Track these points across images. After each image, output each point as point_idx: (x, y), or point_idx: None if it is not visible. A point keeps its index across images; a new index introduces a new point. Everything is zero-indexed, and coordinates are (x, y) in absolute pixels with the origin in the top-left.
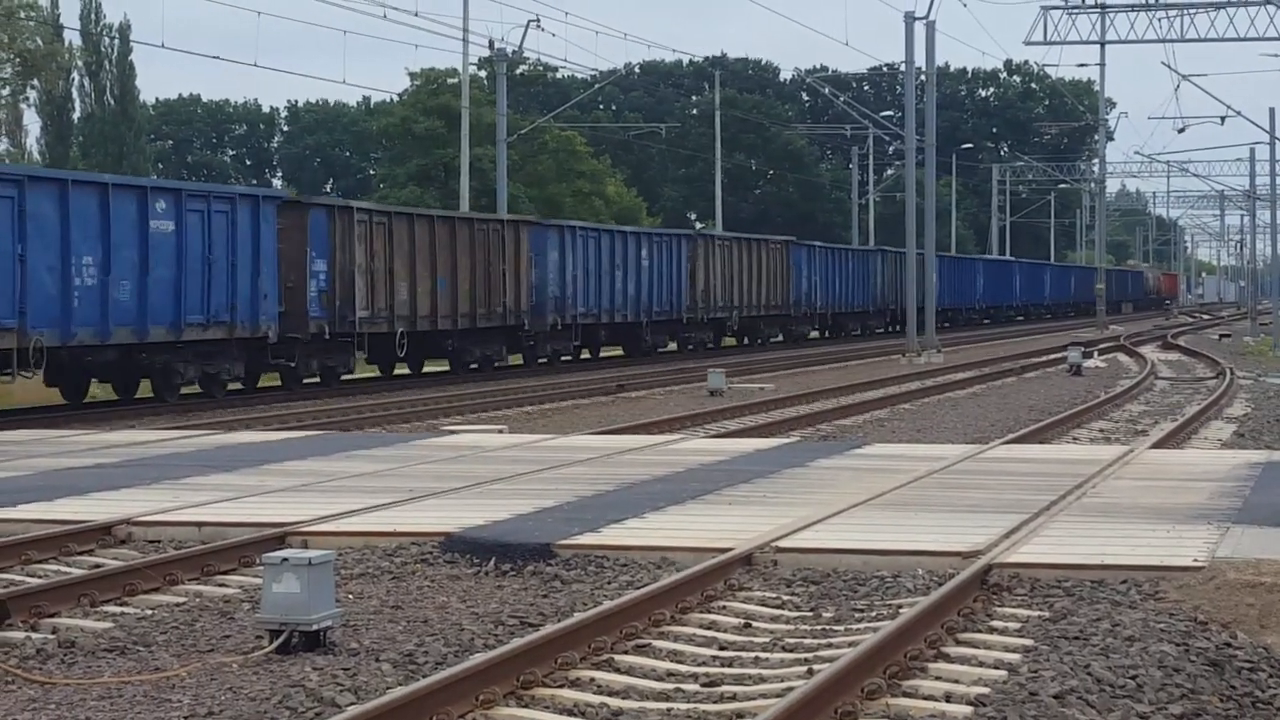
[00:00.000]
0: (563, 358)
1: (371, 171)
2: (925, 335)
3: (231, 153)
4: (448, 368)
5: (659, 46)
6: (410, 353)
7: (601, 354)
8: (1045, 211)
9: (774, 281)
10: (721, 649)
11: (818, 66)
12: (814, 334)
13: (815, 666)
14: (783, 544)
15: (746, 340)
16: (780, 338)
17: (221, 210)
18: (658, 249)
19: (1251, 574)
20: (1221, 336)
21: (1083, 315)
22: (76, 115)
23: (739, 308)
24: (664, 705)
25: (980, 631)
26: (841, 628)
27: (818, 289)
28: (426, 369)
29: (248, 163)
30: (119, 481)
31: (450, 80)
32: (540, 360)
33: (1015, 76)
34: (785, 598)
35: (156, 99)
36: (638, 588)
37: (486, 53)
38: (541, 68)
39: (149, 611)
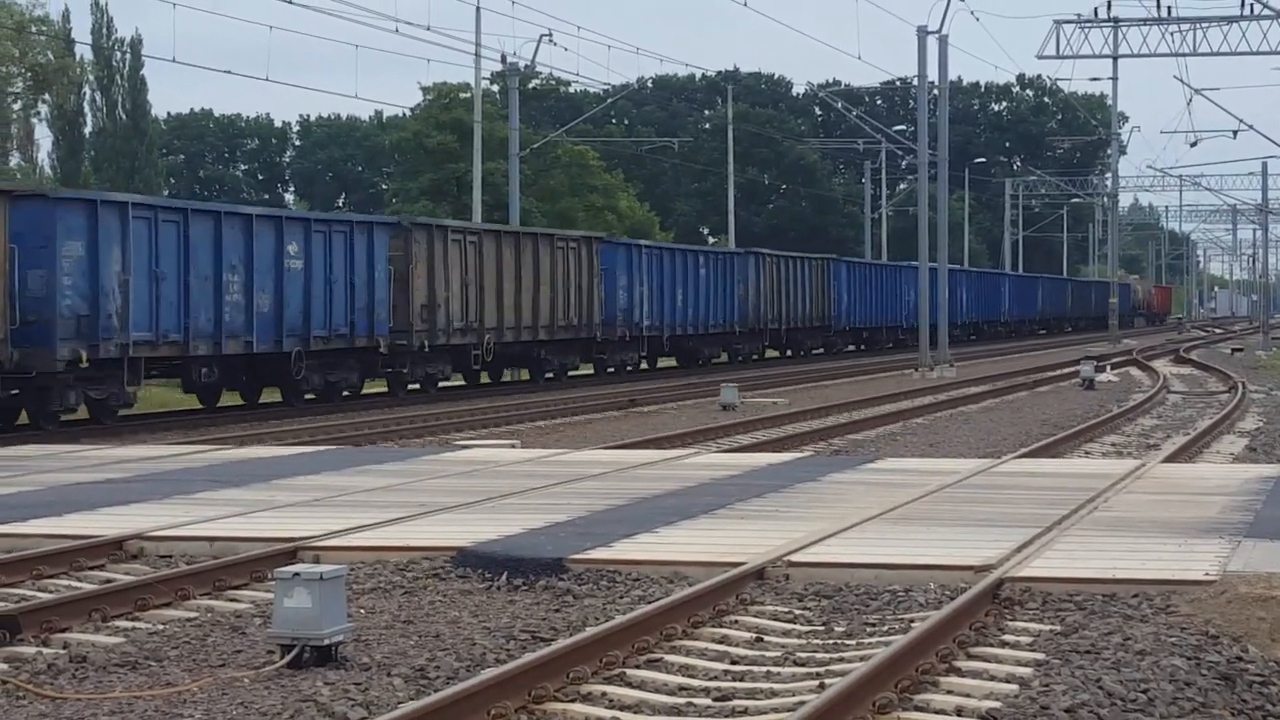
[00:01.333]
0: (627, 367)
1: (384, 186)
2: (938, 350)
3: (244, 167)
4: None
5: (671, 60)
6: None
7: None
8: (1058, 226)
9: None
10: (733, 663)
11: (830, 81)
12: (850, 346)
13: (827, 681)
14: (795, 558)
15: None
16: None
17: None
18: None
19: (1263, 588)
20: (1234, 350)
21: (1057, 333)
22: (88, 130)
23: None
24: (676, 719)
25: (992, 645)
26: (853, 642)
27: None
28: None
29: (260, 177)
30: (130, 496)
31: (463, 95)
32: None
33: (1028, 90)
34: (797, 612)
35: (168, 113)
36: (649, 602)
37: (499, 67)
38: (554, 82)
39: (160, 626)
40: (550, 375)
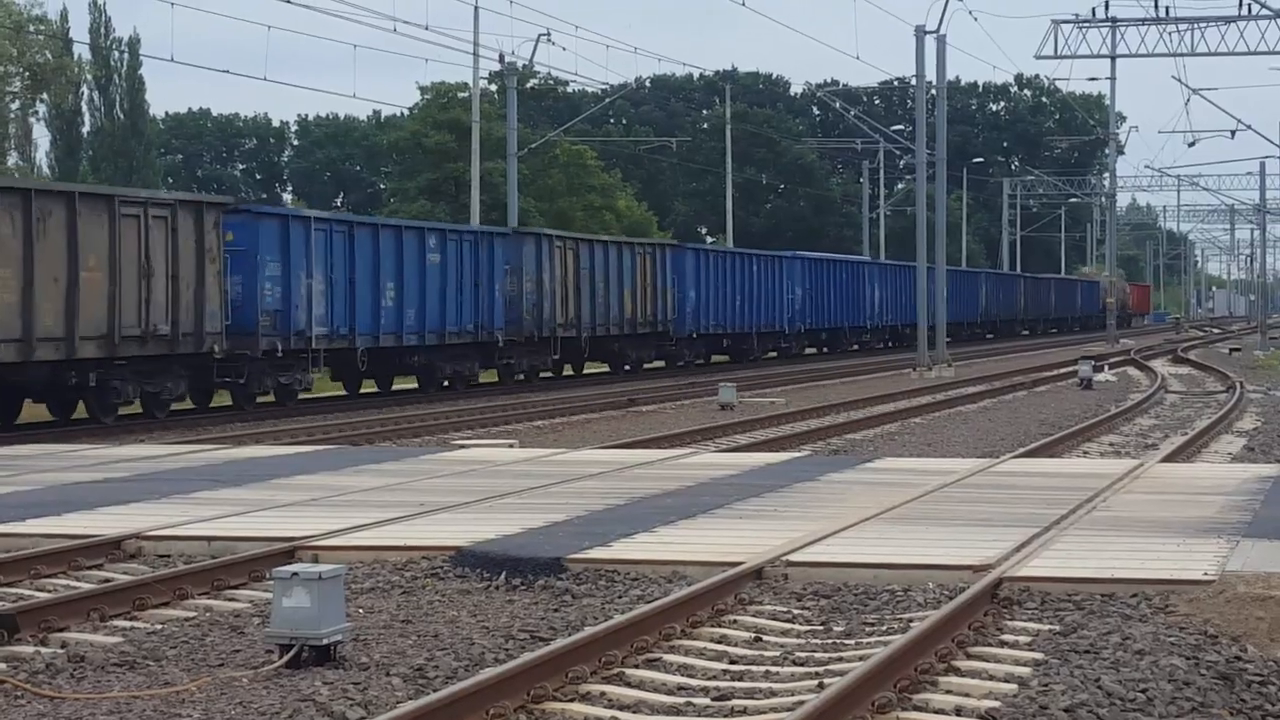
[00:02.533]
0: (696, 361)
1: (382, 185)
2: (935, 349)
3: (241, 167)
4: (607, 369)
5: (669, 60)
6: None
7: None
8: (1056, 226)
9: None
10: (732, 663)
11: (828, 80)
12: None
13: (826, 680)
14: (793, 558)
15: (825, 349)
16: (855, 346)
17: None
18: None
19: (1262, 588)
20: (1232, 350)
21: (1008, 336)
22: (86, 129)
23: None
24: (674, 718)
25: (991, 645)
26: (852, 641)
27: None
28: (587, 369)
29: (258, 177)
30: (128, 496)
31: (461, 94)
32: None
33: (1026, 90)
34: (796, 611)
35: (166, 113)
36: (648, 602)
37: (497, 67)
38: (552, 82)
39: (158, 626)
40: (628, 368)
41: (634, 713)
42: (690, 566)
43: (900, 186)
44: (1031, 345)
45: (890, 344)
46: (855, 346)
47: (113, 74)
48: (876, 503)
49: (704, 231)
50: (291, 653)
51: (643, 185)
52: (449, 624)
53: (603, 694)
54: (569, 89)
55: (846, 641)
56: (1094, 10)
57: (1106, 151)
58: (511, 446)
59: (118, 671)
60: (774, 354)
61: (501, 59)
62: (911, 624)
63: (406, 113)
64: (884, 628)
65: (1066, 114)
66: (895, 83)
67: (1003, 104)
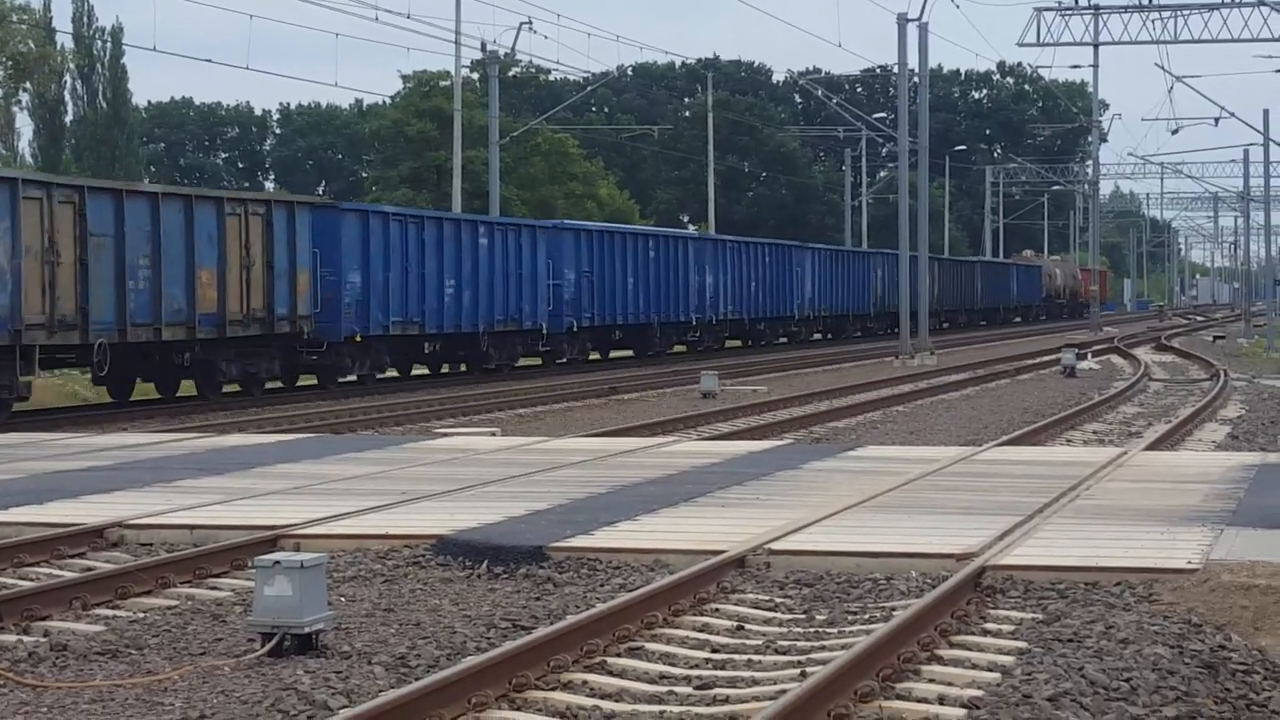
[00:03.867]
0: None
1: (364, 174)
2: (918, 337)
3: (224, 155)
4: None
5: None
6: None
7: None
8: (1039, 213)
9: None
10: (714, 651)
11: (810, 68)
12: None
13: (808, 669)
14: (776, 546)
15: (830, 335)
16: (859, 333)
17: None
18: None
19: (1246, 576)
20: (1215, 338)
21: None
22: (69, 118)
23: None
24: (657, 708)
25: (974, 634)
26: (834, 630)
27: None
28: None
29: (240, 165)
30: (111, 484)
31: (442, 83)
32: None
33: (1008, 78)
34: (778, 600)
35: (149, 102)
36: (630, 590)
37: (479, 55)
38: (534, 70)
39: (141, 614)
40: (764, 343)
41: (616, 701)
42: (672, 555)
43: (883, 174)
44: (963, 340)
45: (829, 335)
46: (784, 339)
47: (95, 63)
48: (859, 491)
49: (686, 220)
50: (274, 641)
51: (625, 173)
52: (431, 613)
53: (585, 683)
54: (551, 77)
55: (829, 630)
56: None
57: (1089, 139)
58: (493, 435)
59: (100, 660)
60: (784, 339)
61: (483, 47)
62: (894, 613)
63: (388, 101)
64: (866, 616)
65: (1049, 101)
66: (877, 70)
67: (985, 92)
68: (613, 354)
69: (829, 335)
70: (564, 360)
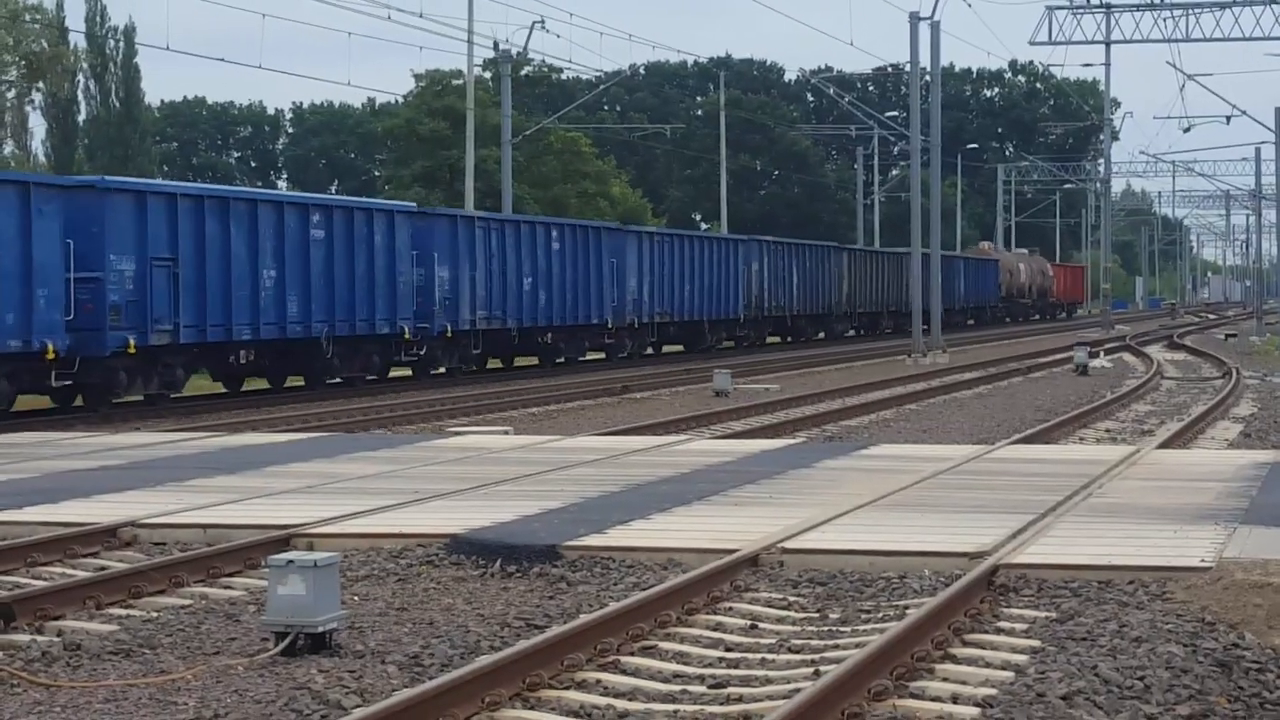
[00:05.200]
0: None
1: (376, 173)
2: (931, 336)
3: (237, 154)
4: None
5: (664, 47)
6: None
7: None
8: (1050, 212)
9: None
10: (728, 650)
11: (822, 67)
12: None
13: (822, 668)
14: (789, 545)
15: (863, 331)
16: (891, 329)
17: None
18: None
19: (1259, 574)
20: (1227, 336)
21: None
22: (82, 117)
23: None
24: (670, 707)
25: (987, 632)
26: (848, 629)
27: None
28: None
29: (253, 164)
30: (124, 484)
31: (455, 82)
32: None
33: (1020, 76)
34: (791, 599)
35: (162, 101)
36: (644, 589)
37: (491, 54)
38: (546, 69)
39: (154, 614)
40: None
41: (630, 700)
42: (686, 554)
43: (895, 173)
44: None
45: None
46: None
47: (108, 62)
48: (872, 489)
49: (698, 218)
50: (287, 640)
51: (637, 172)
52: (444, 611)
53: (598, 682)
54: (563, 76)
55: (842, 629)
56: None
57: (1101, 137)
58: (506, 433)
59: (113, 660)
60: (823, 334)
61: (496, 46)
62: (908, 611)
63: (401, 100)
64: (880, 615)
65: (1061, 100)
66: (889, 69)
67: (997, 90)
68: (665, 349)
69: (862, 331)
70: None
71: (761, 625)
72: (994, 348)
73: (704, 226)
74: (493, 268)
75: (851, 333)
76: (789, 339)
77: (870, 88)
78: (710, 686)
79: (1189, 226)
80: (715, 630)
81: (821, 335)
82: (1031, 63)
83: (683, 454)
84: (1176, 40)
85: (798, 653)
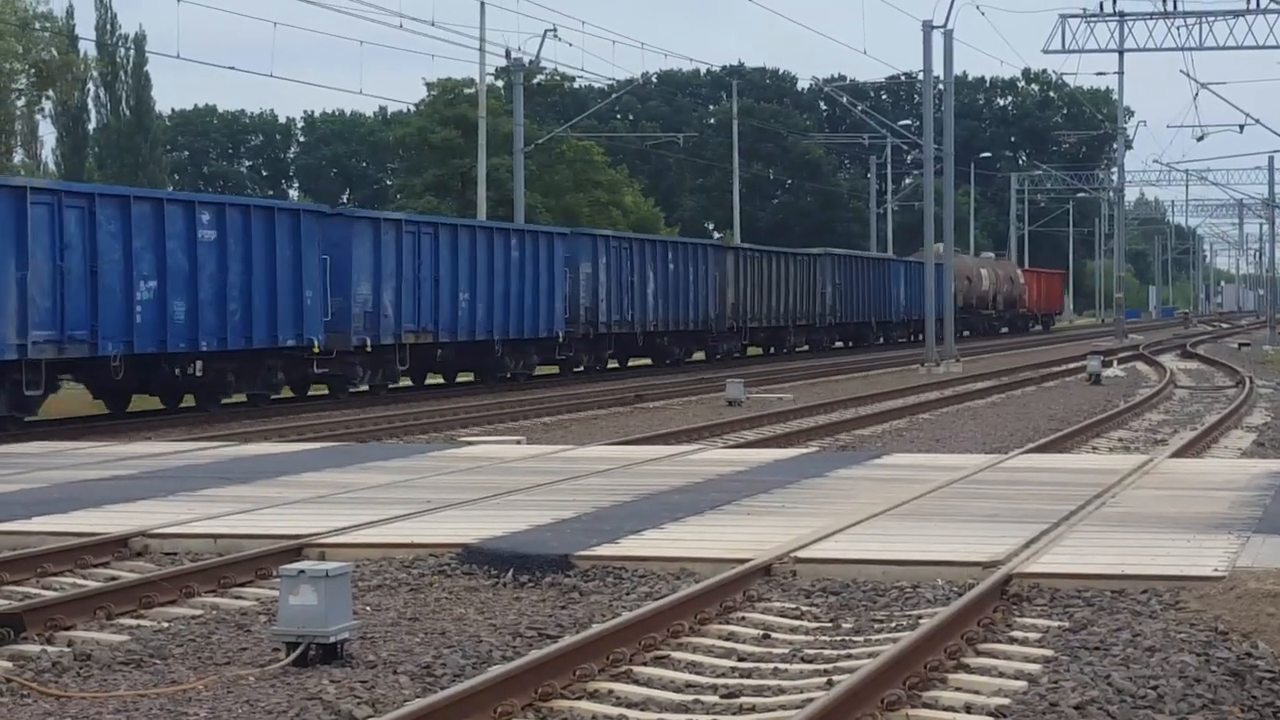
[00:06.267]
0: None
1: (388, 182)
2: (944, 345)
3: (248, 163)
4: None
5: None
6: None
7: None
8: (1064, 220)
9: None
10: (740, 660)
11: (835, 75)
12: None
13: (835, 677)
14: (802, 554)
15: (882, 340)
16: (805, 344)
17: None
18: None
19: (1273, 583)
20: (1241, 345)
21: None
22: (92, 126)
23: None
24: (683, 716)
25: (1000, 642)
26: (861, 638)
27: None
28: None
29: (264, 173)
30: (135, 494)
31: (467, 90)
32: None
33: (1033, 85)
34: (804, 608)
35: (172, 109)
36: (656, 599)
37: (503, 62)
38: (558, 77)
39: (165, 624)
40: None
41: (642, 710)
42: (698, 563)
43: (908, 181)
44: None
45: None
46: (882, 339)
47: (118, 70)
48: (885, 499)
49: (711, 227)
50: (298, 651)
51: (650, 181)
52: (456, 621)
53: (611, 692)
54: (575, 85)
55: (855, 638)
56: (1102, 4)
57: (1114, 146)
58: (519, 443)
59: (124, 670)
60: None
61: (508, 55)
62: (921, 621)
63: (413, 109)
64: (893, 624)
65: (1074, 108)
66: (902, 77)
67: (1010, 99)
68: (749, 351)
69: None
70: (719, 355)
71: (774, 635)
72: (1007, 357)
73: (717, 236)
74: (421, 276)
75: (738, 352)
76: (849, 344)
77: (883, 96)
78: (723, 696)
79: (1202, 235)
80: (728, 640)
81: (699, 355)
82: (1045, 71)
83: (695, 463)
84: (1190, 49)
85: (811, 662)
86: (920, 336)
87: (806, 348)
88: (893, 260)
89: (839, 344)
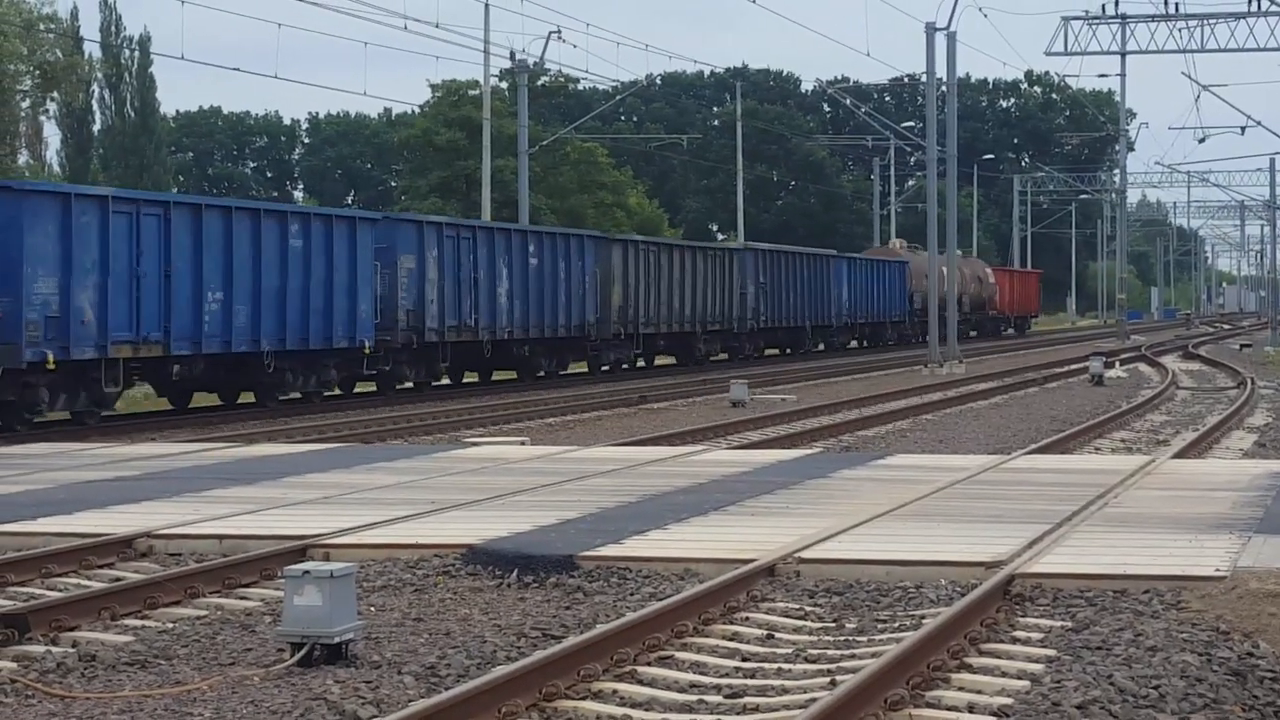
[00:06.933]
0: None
1: (393, 183)
2: (947, 346)
3: (252, 165)
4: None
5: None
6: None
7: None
8: (1066, 222)
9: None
10: (744, 660)
11: (839, 77)
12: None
13: (838, 677)
14: (805, 555)
15: (822, 346)
16: (704, 352)
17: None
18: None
19: (1274, 583)
20: (1242, 346)
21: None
22: (97, 128)
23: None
24: (687, 716)
25: (1003, 642)
26: (864, 638)
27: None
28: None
29: (269, 175)
30: (139, 495)
31: (471, 92)
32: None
33: (1036, 87)
34: (808, 608)
35: (177, 111)
36: (660, 599)
37: (508, 64)
38: (563, 79)
39: (170, 625)
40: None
41: (646, 710)
42: (702, 564)
43: (911, 183)
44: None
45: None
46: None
47: (123, 72)
48: (888, 499)
49: (715, 229)
50: (303, 651)
51: (654, 182)
52: (461, 622)
53: (615, 692)
54: (580, 86)
55: (859, 638)
56: (1104, 7)
57: (1117, 148)
58: (523, 444)
59: (129, 670)
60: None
61: (512, 56)
62: (924, 621)
63: (417, 110)
64: (896, 625)
65: (1077, 110)
66: (906, 79)
67: (1013, 100)
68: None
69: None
70: (744, 356)
71: (778, 635)
72: (1010, 358)
73: (721, 238)
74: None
75: (627, 363)
76: (864, 344)
77: (887, 98)
78: (727, 696)
79: (1204, 237)
80: (732, 640)
81: (583, 366)
82: (1047, 73)
83: (699, 464)
84: (1191, 51)
85: (814, 662)
86: (867, 343)
87: (724, 356)
88: (834, 257)
89: (771, 351)
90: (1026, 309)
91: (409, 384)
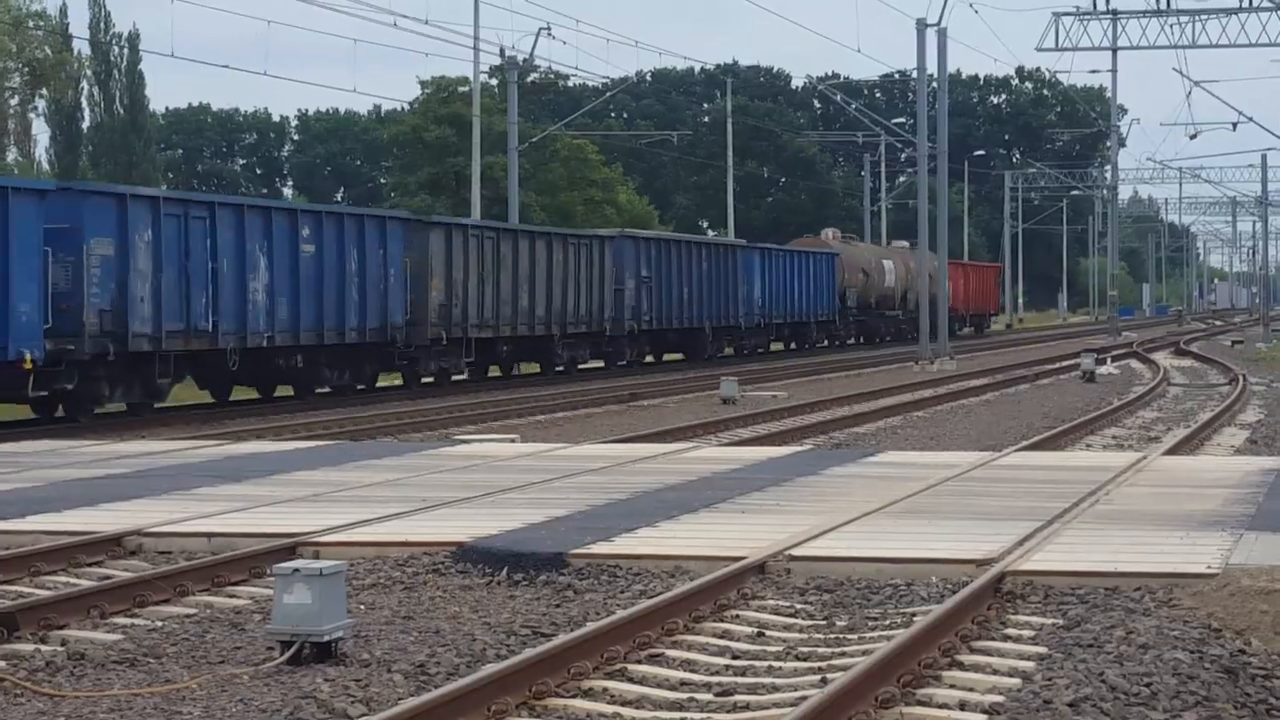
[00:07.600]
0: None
1: (382, 180)
2: (937, 342)
3: (242, 162)
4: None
5: (670, 54)
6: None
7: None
8: (1058, 218)
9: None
10: (735, 658)
11: (829, 74)
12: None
13: (829, 675)
14: (796, 552)
15: (730, 351)
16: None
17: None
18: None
19: (1266, 581)
20: (1234, 342)
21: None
22: (86, 124)
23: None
24: (677, 714)
25: (994, 639)
26: (855, 636)
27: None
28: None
29: (258, 172)
30: (129, 492)
31: (461, 88)
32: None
33: (1027, 83)
34: (799, 606)
35: (166, 108)
36: (651, 597)
37: (497, 61)
38: (553, 76)
39: (159, 623)
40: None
41: (637, 708)
42: (693, 561)
43: (902, 179)
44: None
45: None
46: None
47: (112, 69)
48: (879, 497)
49: (705, 225)
50: (293, 649)
51: (644, 179)
52: (451, 620)
53: (605, 690)
54: (570, 83)
55: (849, 636)
56: (1095, 2)
57: (1108, 144)
58: (513, 441)
59: (118, 669)
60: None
61: (502, 53)
62: (915, 618)
63: (407, 107)
64: (887, 622)
65: (1068, 106)
66: (896, 76)
67: (1004, 97)
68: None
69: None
70: (624, 363)
71: (769, 633)
72: (1001, 355)
73: (711, 234)
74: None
75: (457, 372)
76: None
77: (877, 94)
78: (717, 694)
79: (1196, 233)
80: (722, 638)
81: (396, 379)
82: (1038, 69)
83: (689, 461)
84: (1183, 46)
85: (805, 660)
86: (793, 345)
87: (601, 364)
88: (743, 247)
89: (652, 358)
90: (984, 307)
91: (101, 408)
